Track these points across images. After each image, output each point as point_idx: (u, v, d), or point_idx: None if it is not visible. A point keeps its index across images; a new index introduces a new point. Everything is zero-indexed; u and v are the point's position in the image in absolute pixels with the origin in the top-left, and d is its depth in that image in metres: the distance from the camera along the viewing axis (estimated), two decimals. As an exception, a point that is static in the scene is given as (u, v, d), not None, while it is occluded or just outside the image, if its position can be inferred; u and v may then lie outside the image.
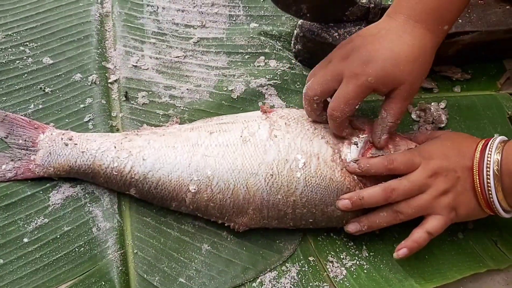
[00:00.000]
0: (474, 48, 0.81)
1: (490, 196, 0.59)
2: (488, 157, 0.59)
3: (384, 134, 0.64)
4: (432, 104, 0.81)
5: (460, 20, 0.79)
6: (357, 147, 0.65)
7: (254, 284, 0.64)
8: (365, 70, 0.59)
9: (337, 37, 0.79)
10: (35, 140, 0.70)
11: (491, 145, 0.60)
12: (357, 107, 0.62)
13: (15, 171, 0.69)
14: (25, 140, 0.70)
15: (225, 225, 0.66)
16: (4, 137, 0.71)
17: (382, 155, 0.64)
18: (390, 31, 0.62)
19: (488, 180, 0.59)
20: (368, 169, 0.62)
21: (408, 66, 0.60)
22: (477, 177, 0.60)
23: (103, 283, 0.62)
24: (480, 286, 0.66)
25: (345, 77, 0.61)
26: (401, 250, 0.61)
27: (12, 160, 0.69)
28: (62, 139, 0.70)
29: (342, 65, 0.62)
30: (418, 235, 0.61)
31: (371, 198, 0.61)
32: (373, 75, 0.59)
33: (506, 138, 0.62)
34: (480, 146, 0.61)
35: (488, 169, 0.59)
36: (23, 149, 0.70)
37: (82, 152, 0.68)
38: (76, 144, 0.69)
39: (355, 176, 0.64)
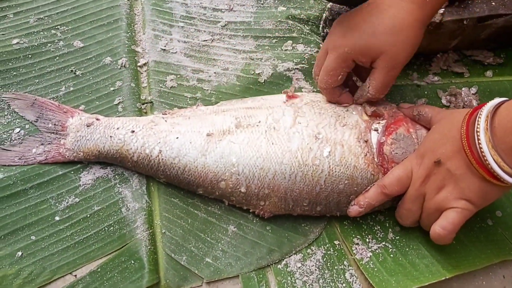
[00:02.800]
0: (507, 31, 0.79)
1: (485, 159, 0.53)
2: (478, 120, 0.54)
3: (361, 99, 0.67)
4: (463, 89, 0.79)
5: (493, 3, 0.77)
6: (377, 132, 0.65)
7: (279, 266, 0.64)
8: (343, 42, 0.63)
9: (366, 20, 0.78)
10: (64, 124, 0.72)
11: (481, 110, 0.55)
12: (339, 77, 0.65)
13: (45, 155, 0.70)
14: (54, 124, 0.72)
15: (250, 211, 0.66)
16: (34, 121, 0.73)
17: (373, 185, 0.63)
18: (376, 5, 0.63)
19: (480, 144, 0.53)
20: (369, 203, 0.63)
21: (387, 37, 0.61)
22: (466, 141, 0.55)
23: (133, 262, 0.63)
24: (509, 272, 0.65)
25: (329, 50, 0.65)
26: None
27: (42, 144, 0.71)
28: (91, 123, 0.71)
29: (327, 41, 0.65)
30: (435, 231, 0.59)
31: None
32: (350, 45, 0.62)
33: (503, 99, 0.56)
34: (468, 114, 0.57)
35: (478, 132, 0.54)
36: (53, 133, 0.71)
37: (110, 136, 0.69)
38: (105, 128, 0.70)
39: (377, 163, 0.64)
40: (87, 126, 0.70)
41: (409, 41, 0.62)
